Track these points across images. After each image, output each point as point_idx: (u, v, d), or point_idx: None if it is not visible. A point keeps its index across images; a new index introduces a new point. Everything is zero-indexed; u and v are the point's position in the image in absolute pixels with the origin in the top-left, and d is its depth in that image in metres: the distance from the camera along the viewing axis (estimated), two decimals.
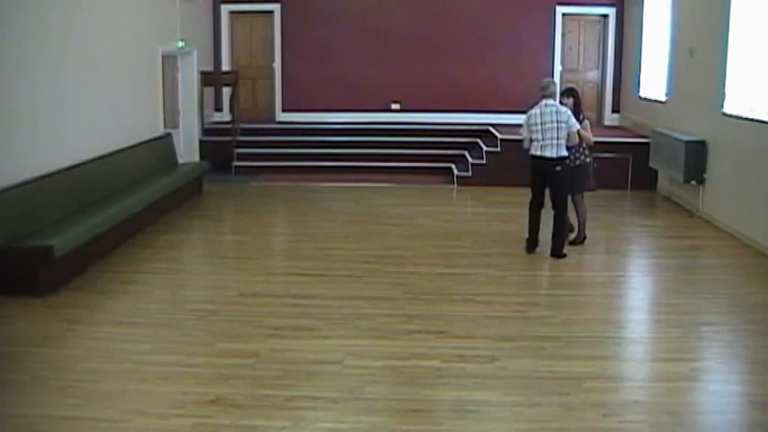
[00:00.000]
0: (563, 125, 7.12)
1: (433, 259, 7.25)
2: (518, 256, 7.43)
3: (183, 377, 4.52)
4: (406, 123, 12.55)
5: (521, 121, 12.45)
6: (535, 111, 7.25)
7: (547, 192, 7.42)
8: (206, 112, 12.23)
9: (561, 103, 7.46)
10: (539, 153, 7.21)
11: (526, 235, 7.51)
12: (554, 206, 7.32)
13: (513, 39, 12.90)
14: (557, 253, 7.27)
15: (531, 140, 7.29)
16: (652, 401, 4.33)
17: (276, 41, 13.10)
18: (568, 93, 7.70)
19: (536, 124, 7.19)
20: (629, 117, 12.34)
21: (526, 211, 9.37)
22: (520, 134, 7.50)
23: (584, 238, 7.76)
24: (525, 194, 10.26)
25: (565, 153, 7.22)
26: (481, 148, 11.36)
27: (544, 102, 7.23)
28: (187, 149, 11.37)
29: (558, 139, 7.13)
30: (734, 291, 6.35)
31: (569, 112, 7.23)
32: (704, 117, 8.97)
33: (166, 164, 9.80)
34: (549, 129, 7.12)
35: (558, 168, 7.20)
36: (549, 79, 7.52)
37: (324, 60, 12.95)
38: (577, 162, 7.55)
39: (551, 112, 7.14)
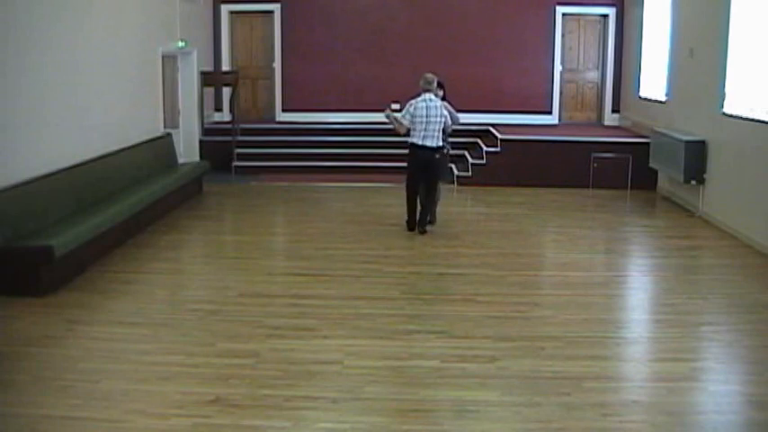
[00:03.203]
0: (442, 119, 7.85)
1: (433, 259, 7.25)
2: (518, 256, 7.44)
3: (183, 377, 4.52)
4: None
5: (521, 122, 12.68)
6: (421, 104, 7.82)
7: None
8: (206, 112, 12.23)
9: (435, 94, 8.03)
10: (420, 143, 7.85)
11: (406, 217, 8.14)
12: (428, 189, 8.04)
13: (513, 39, 12.91)
14: (423, 228, 8.01)
15: (409, 130, 7.89)
16: (652, 401, 4.33)
17: (276, 41, 13.10)
18: (439, 85, 8.19)
19: (422, 116, 7.78)
20: (629, 117, 12.34)
21: (526, 211, 9.46)
22: (395, 120, 8.00)
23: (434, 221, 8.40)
24: (525, 195, 10.35)
25: (441, 143, 7.94)
26: (481, 148, 11.36)
27: (429, 96, 7.85)
28: (187, 149, 11.37)
29: (438, 131, 7.85)
30: (734, 291, 6.35)
31: (448, 107, 7.97)
32: (704, 117, 8.97)
33: (166, 164, 9.80)
34: (433, 122, 7.80)
35: (437, 156, 7.95)
36: (433, 75, 8.02)
37: (324, 60, 12.95)
38: (445, 151, 8.20)
39: (435, 107, 7.82)
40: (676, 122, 9.85)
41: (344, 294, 6.10)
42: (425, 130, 7.80)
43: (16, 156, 6.51)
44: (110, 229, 7.03)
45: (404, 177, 10.98)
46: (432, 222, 8.25)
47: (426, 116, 7.77)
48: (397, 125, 8.02)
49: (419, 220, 8.07)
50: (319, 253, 7.37)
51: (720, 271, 7.09)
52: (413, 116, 7.81)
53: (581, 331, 5.37)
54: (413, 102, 7.89)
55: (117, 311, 5.76)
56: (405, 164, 11.32)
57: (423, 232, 8.00)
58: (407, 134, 8.01)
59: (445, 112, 7.91)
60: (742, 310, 5.86)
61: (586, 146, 10.78)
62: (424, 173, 8.00)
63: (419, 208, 8.13)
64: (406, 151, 11.66)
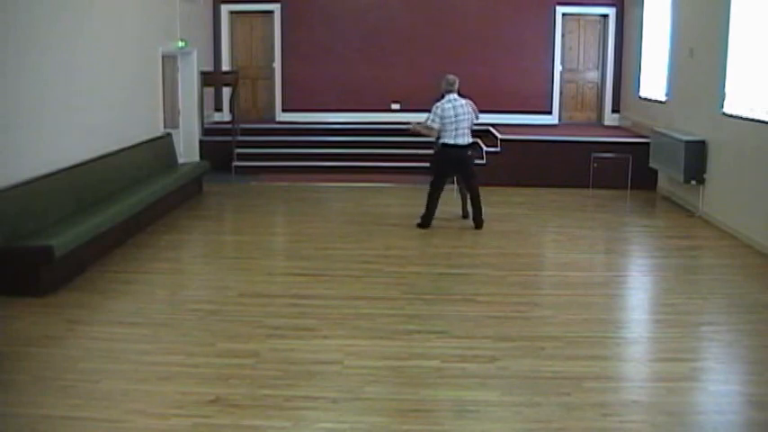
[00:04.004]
0: (470, 116, 8.10)
1: (433, 259, 7.25)
2: (518, 256, 7.44)
3: (183, 377, 4.52)
4: (406, 123, 12.50)
5: (521, 122, 12.67)
6: (447, 105, 8.05)
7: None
8: (206, 112, 12.23)
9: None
10: (452, 141, 8.06)
11: (423, 212, 8.29)
12: (469, 185, 8.34)
13: (513, 39, 12.91)
14: (480, 223, 8.27)
15: (439, 131, 8.09)
16: (652, 401, 4.33)
17: (276, 41, 13.10)
18: None
19: (450, 117, 7.99)
20: (629, 117, 12.34)
21: (526, 211, 9.45)
22: (425, 126, 8.27)
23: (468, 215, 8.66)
24: (525, 195, 10.36)
25: (471, 140, 8.22)
26: (481, 148, 11.35)
27: (453, 96, 8.09)
28: (187, 149, 11.37)
29: (467, 129, 8.11)
30: (734, 291, 6.35)
31: (472, 105, 8.18)
32: (704, 117, 8.97)
33: (166, 164, 9.80)
34: (462, 120, 8.03)
35: (470, 153, 8.28)
36: (455, 76, 8.25)
37: (324, 60, 12.96)
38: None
39: (461, 105, 8.06)
40: (676, 122, 9.85)
41: (344, 294, 6.10)
42: (456, 129, 8.00)
43: (16, 156, 6.51)
44: (110, 229, 7.03)
45: (404, 178, 11.12)
46: (474, 218, 8.34)
47: (455, 115, 7.98)
48: (426, 132, 8.20)
49: (475, 215, 8.30)
50: (319, 253, 7.37)
51: (720, 271, 7.09)
52: (442, 118, 8.00)
53: (581, 331, 5.37)
54: (438, 104, 8.07)
55: (117, 311, 5.76)
56: (409, 163, 11.50)
57: (481, 226, 8.26)
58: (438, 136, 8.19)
59: (470, 110, 8.11)
60: (742, 310, 5.86)
61: (586, 146, 10.77)
62: (456, 170, 8.30)
63: (436, 207, 8.33)
64: (406, 151, 11.87)
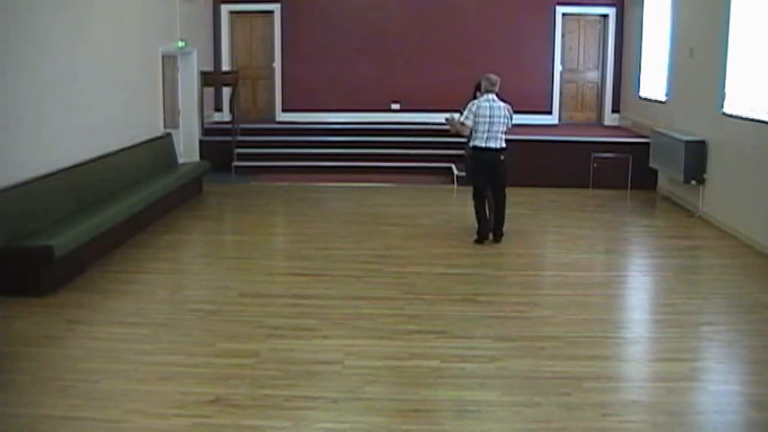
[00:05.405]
0: (506, 120, 7.65)
1: (433, 259, 7.25)
2: (518, 256, 7.44)
3: (183, 377, 4.52)
4: (406, 123, 12.55)
5: (521, 122, 12.65)
6: (484, 103, 7.61)
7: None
8: (206, 112, 12.24)
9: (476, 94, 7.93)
10: (484, 144, 7.61)
11: (476, 225, 7.78)
12: (497, 193, 7.79)
13: (513, 39, 12.91)
14: (500, 236, 7.76)
15: (472, 131, 7.65)
16: (652, 401, 4.33)
17: (276, 41, 13.10)
18: (477, 87, 8.04)
19: (485, 116, 7.55)
20: (629, 117, 12.34)
21: (526, 211, 9.44)
22: (459, 122, 7.70)
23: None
24: (525, 195, 10.34)
25: (505, 145, 7.70)
26: None
27: (492, 96, 7.65)
28: (187, 149, 11.37)
29: (501, 132, 7.63)
30: (734, 291, 6.35)
31: (510, 109, 7.72)
32: (704, 117, 8.97)
33: (166, 164, 9.80)
34: (497, 123, 7.57)
35: (502, 158, 7.68)
36: (497, 76, 7.83)
37: (324, 60, 12.96)
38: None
39: (498, 107, 7.60)
40: (676, 122, 9.85)
41: (344, 294, 6.10)
42: (489, 131, 7.54)
43: (16, 156, 6.51)
44: (110, 229, 7.03)
45: (404, 178, 11.12)
46: (494, 229, 7.81)
47: (490, 116, 7.53)
48: (459, 128, 7.71)
49: (496, 226, 7.78)
50: (319, 253, 7.37)
51: (720, 271, 7.08)
52: (476, 116, 7.54)
53: (581, 331, 5.37)
54: (475, 102, 7.65)
55: (117, 311, 5.76)
56: (409, 164, 11.51)
57: (499, 240, 7.73)
58: (470, 136, 7.75)
59: (507, 113, 7.67)
60: (742, 310, 5.86)
61: (586, 146, 10.77)
62: (489, 175, 7.71)
63: (486, 215, 7.85)
64: (406, 151, 11.87)
